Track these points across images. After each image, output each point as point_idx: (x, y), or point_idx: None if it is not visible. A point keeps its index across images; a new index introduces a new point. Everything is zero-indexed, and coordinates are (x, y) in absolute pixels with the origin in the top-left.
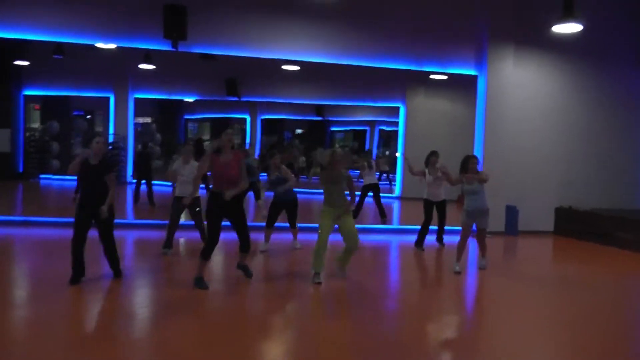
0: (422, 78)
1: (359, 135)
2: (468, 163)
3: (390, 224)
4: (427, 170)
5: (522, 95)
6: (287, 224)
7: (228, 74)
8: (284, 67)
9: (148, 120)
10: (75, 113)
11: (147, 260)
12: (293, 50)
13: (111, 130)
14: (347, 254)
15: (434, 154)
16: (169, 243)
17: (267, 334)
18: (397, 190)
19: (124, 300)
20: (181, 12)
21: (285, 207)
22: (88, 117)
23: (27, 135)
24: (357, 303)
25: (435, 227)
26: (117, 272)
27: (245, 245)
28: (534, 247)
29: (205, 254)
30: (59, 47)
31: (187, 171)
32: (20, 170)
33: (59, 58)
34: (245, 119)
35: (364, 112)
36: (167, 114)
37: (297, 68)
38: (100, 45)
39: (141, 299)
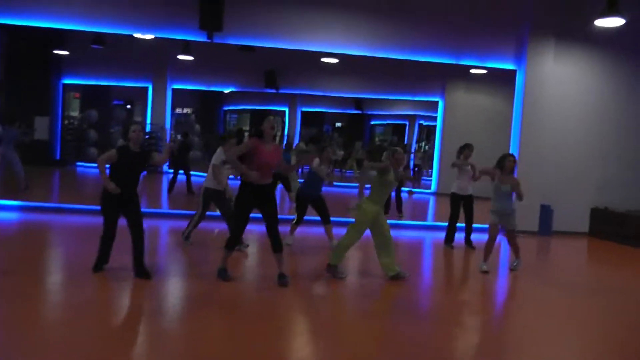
0: (461, 72)
1: (398, 130)
2: (505, 161)
3: (407, 219)
4: (460, 164)
5: (562, 91)
6: (319, 219)
7: (267, 65)
8: (323, 59)
9: (188, 111)
10: (115, 102)
11: (178, 251)
12: (330, 43)
13: (149, 120)
14: (388, 251)
15: (467, 147)
16: (189, 234)
17: (292, 330)
18: (432, 185)
19: (149, 291)
20: (218, 2)
21: (311, 202)
22: (128, 106)
23: (65, 123)
24: (382, 303)
25: (463, 225)
26: (141, 271)
27: (277, 243)
28: (568, 248)
29: (230, 245)
30: (98, 37)
31: None
32: (58, 157)
33: (98, 48)
34: (284, 111)
35: (404, 106)
36: (207, 105)
37: (335, 61)
38: (138, 35)
39: (169, 290)
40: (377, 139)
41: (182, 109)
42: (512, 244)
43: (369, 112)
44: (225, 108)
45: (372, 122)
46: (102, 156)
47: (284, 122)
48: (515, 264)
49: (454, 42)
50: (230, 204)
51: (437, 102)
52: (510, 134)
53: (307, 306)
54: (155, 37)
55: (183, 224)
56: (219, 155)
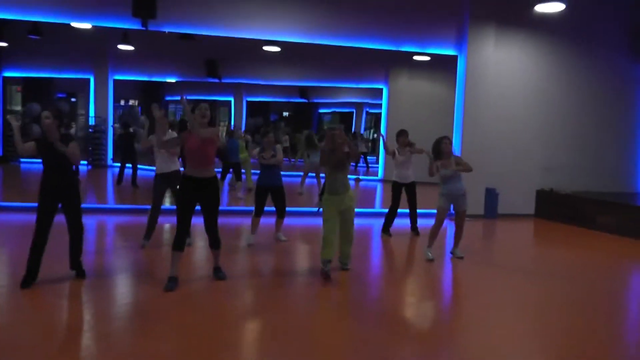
0: (405, 59)
1: (346, 118)
2: (441, 145)
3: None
4: (396, 150)
5: (503, 76)
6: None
7: (209, 55)
8: (265, 48)
9: (133, 102)
10: (59, 95)
11: (126, 252)
12: (267, 30)
13: (92, 112)
14: (348, 240)
15: (402, 133)
16: (149, 234)
17: (255, 340)
18: (379, 173)
19: (89, 305)
20: None
21: (271, 192)
22: (73, 99)
23: (5, 117)
24: (326, 293)
25: (406, 212)
26: (80, 271)
27: (215, 239)
28: (514, 230)
29: (177, 245)
30: (34, 26)
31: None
32: (0, 153)
33: (35, 38)
34: (229, 101)
35: (350, 93)
36: (150, 96)
37: (277, 49)
38: (75, 25)
39: (112, 301)
40: (325, 127)
41: (127, 101)
42: (460, 226)
43: (315, 101)
44: (168, 98)
45: (320, 111)
46: (20, 146)
47: (229, 113)
48: (457, 252)
49: (394, 28)
50: None
51: (382, 89)
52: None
53: (269, 310)
54: (95, 27)
55: (130, 218)
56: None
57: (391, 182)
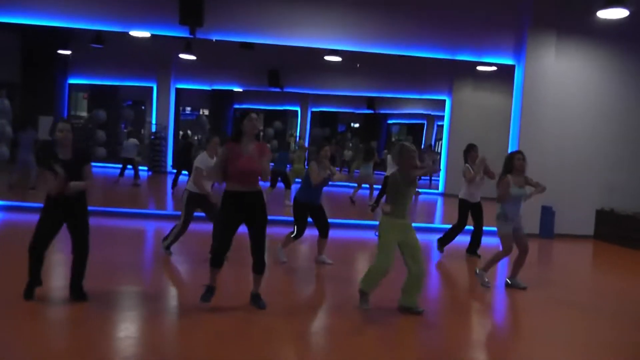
0: (469, 70)
1: (416, 130)
2: (513, 160)
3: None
4: (470, 168)
5: (564, 87)
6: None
7: (270, 64)
8: (326, 57)
9: (204, 112)
10: (128, 103)
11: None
12: (323, 39)
13: (154, 120)
14: (413, 280)
15: (472, 148)
16: (169, 244)
17: None
18: (440, 186)
19: (95, 324)
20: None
21: (310, 211)
22: (142, 107)
23: (71, 123)
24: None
25: (469, 230)
26: (78, 293)
27: (259, 263)
28: (570, 252)
29: (215, 262)
30: (97, 36)
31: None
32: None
33: (98, 47)
34: (296, 111)
35: (419, 105)
36: (218, 105)
37: (339, 59)
38: (134, 34)
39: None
40: (393, 139)
41: (193, 109)
42: (525, 251)
43: (383, 112)
44: (237, 106)
45: (389, 122)
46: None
47: (295, 122)
48: (515, 280)
49: (451, 36)
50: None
51: (445, 100)
52: None
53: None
54: (156, 37)
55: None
56: (203, 158)
57: (458, 199)
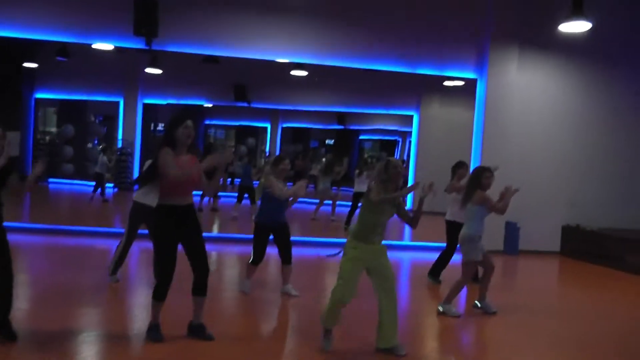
0: (436, 85)
1: (389, 146)
2: (481, 178)
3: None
4: (452, 184)
5: (526, 101)
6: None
7: (236, 79)
8: (293, 72)
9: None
10: (99, 118)
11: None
12: (280, 51)
13: (120, 135)
14: (385, 317)
15: (460, 165)
16: (115, 267)
17: None
18: (407, 203)
19: None
20: (152, 7)
21: (273, 232)
22: (111, 121)
23: (37, 138)
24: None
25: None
26: (9, 332)
27: (202, 281)
28: (535, 268)
29: (159, 294)
30: (62, 48)
31: None
32: (29, 173)
33: (63, 60)
34: (266, 128)
35: (391, 121)
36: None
37: (304, 74)
38: (96, 46)
39: None
40: (365, 155)
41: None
42: (492, 267)
43: (354, 127)
44: (207, 122)
45: (361, 137)
46: None
47: (264, 139)
48: (490, 305)
49: (412, 50)
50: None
51: (412, 116)
52: None
53: None
54: (122, 50)
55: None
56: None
57: (446, 221)
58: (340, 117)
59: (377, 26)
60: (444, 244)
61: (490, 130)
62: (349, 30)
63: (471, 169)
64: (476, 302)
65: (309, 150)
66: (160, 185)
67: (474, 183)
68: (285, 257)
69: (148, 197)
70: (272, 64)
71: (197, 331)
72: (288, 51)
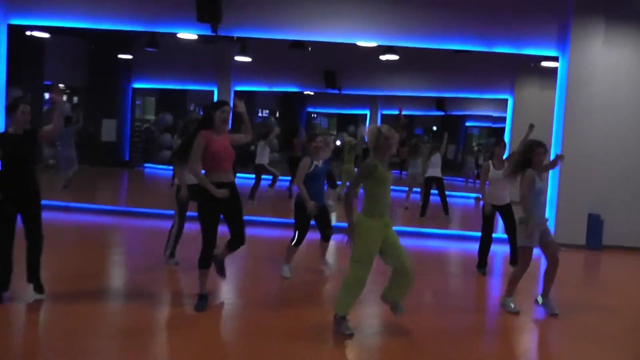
0: (534, 66)
1: (498, 133)
2: (532, 154)
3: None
4: (491, 164)
5: (613, 80)
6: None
7: (327, 65)
8: (383, 57)
9: (267, 113)
10: (200, 108)
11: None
12: (353, 33)
13: None
14: (399, 280)
15: (498, 144)
16: (173, 250)
17: None
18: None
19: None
20: None
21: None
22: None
23: (134, 125)
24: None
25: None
26: (37, 286)
27: (239, 240)
28: (619, 265)
29: (204, 262)
30: (151, 40)
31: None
32: (127, 158)
33: (152, 51)
34: (365, 115)
35: (497, 106)
36: (289, 107)
37: (395, 57)
38: (182, 35)
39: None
40: (473, 143)
41: (263, 112)
42: (556, 261)
43: (456, 113)
44: (309, 110)
45: (467, 124)
46: None
47: (363, 125)
48: (553, 304)
49: (488, 27)
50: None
51: (507, 100)
52: None
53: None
54: (213, 39)
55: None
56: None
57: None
58: (440, 103)
59: (454, 4)
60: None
61: (572, 114)
62: (425, 9)
63: (552, 155)
64: (538, 297)
65: (413, 137)
66: (203, 166)
67: (524, 159)
68: (325, 235)
69: (189, 177)
70: (361, 49)
71: (219, 264)
72: (364, 33)
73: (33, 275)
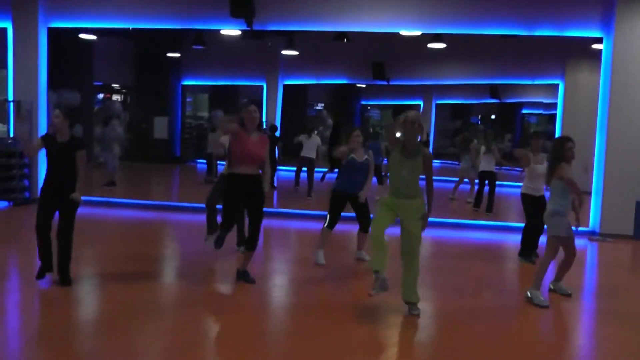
0: (585, 49)
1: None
2: (563, 149)
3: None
4: (530, 156)
5: None
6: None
7: (374, 56)
8: (430, 45)
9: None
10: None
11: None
12: (378, 22)
13: (264, 118)
14: (405, 272)
15: (535, 135)
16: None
17: None
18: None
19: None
20: None
21: (350, 201)
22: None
23: (185, 122)
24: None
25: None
26: (65, 278)
27: (252, 241)
28: None
29: (220, 241)
30: (198, 38)
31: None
32: (178, 154)
33: (199, 48)
34: (418, 105)
35: (550, 92)
36: (343, 100)
37: (442, 46)
38: (225, 32)
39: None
40: (532, 130)
41: (317, 104)
42: (573, 253)
43: (512, 101)
44: (363, 102)
45: (523, 112)
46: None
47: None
48: (554, 285)
49: (527, 10)
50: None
51: (557, 85)
52: None
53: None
54: (259, 35)
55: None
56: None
57: (520, 194)
58: (493, 90)
59: None
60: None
61: (618, 98)
62: None
63: (597, 144)
64: (550, 284)
65: (469, 126)
66: (230, 157)
67: (556, 155)
68: (363, 224)
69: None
70: (407, 39)
71: (242, 276)
72: (404, 22)
73: (61, 268)
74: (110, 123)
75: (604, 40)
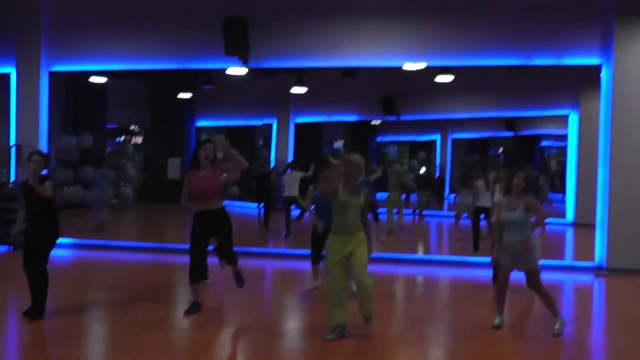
0: (597, 78)
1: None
2: (512, 180)
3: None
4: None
5: None
6: None
7: (384, 92)
8: (437, 79)
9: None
10: (260, 142)
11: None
12: (367, 56)
13: (273, 155)
14: (359, 295)
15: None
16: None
17: None
18: (568, 214)
19: None
20: (241, 26)
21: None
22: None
23: None
24: None
25: None
26: (32, 310)
27: (229, 256)
28: None
29: (192, 278)
30: (207, 77)
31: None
32: None
33: (208, 88)
34: (434, 140)
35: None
36: (359, 137)
37: (450, 78)
38: (230, 72)
39: None
40: (551, 163)
41: (335, 142)
42: (539, 292)
43: (529, 133)
44: (380, 140)
45: (543, 145)
46: None
47: (434, 152)
48: (557, 326)
49: (526, 37)
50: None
51: (567, 116)
52: None
53: None
54: (270, 73)
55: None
56: None
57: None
58: (509, 123)
59: (489, 19)
60: None
61: (619, 126)
62: (456, 26)
63: (599, 175)
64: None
65: (488, 159)
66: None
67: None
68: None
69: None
70: (414, 73)
71: (236, 276)
72: (395, 53)
73: (33, 301)
74: (102, 165)
75: (603, 67)
